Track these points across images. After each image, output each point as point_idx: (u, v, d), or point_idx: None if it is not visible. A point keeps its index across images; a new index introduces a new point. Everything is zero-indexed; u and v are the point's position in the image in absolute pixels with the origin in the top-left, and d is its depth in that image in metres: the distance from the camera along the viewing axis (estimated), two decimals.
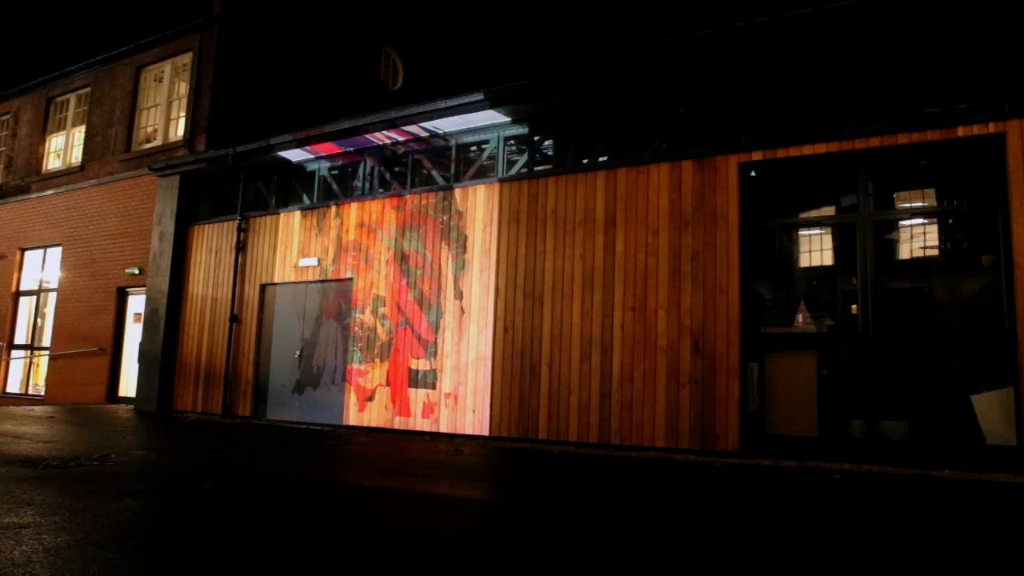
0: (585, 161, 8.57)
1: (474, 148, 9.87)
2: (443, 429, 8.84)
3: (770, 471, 6.06)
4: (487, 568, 2.89)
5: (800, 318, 7.67)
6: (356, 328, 9.92)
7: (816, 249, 8.74)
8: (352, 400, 9.77)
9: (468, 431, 8.65)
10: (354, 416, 9.69)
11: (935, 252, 7.98)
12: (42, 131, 16.11)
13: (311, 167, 11.12)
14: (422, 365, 9.21)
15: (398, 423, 9.25)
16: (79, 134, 15.41)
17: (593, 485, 5.28)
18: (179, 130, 13.49)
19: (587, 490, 5.03)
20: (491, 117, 9.00)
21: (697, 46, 7.40)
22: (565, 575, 2.84)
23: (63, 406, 12.46)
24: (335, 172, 11.00)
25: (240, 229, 11.46)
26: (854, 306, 7.24)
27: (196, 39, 13.26)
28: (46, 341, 14.84)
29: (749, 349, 7.28)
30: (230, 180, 12.03)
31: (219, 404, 11.16)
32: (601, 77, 8.10)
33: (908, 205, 7.96)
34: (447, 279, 9.19)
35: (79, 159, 15.11)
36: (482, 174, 9.37)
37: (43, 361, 14.88)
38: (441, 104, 9.10)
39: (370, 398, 9.59)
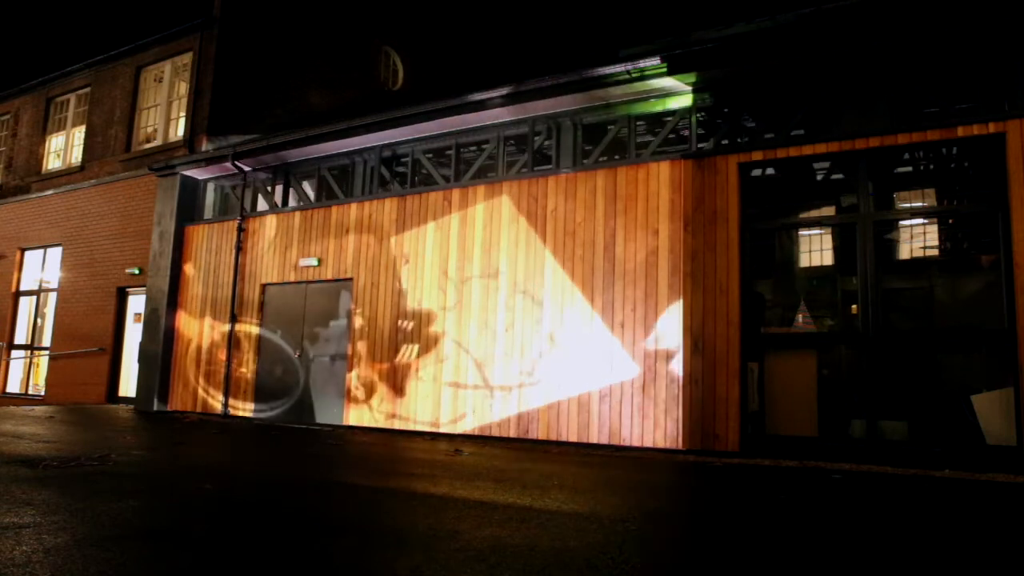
0: (585, 161, 8.58)
1: (474, 148, 9.88)
2: (443, 429, 8.84)
3: (770, 471, 6.05)
4: (486, 568, 2.89)
5: (800, 318, 7.68)
6: (356, 328, 9.92)
7: (816, 249, 8.74)
8: (352, 400, 9.76)
9: (468, 431, 8.65)
10: (354, 416, 9.69)
11: (935, 252, 7.99)
12: (42, 131, 16.11)
13: (311, 167, 11.13)
14: (422, 365, 9.20)
15: (398, 423, 9.25)
16: (79, 134, 15.40)
17: (593, 485, 5.27)
18: (179, 130, 13.49)
19: (586, 490, 5.03)
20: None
21: (697, 47, 7.40)
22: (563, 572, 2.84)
23: (63, 406, 12.46)
24: (335, 172, 11.00)
25: (240, 229, 11.46)
26: (854, 306, 7.25)
27: (196, 39, 13.26)
28: (46, 341, 14.84)
29: (749, 349, 7.27)
30: (230, 180, 12.05)
31: (219, 404, 11.16)
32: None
33: (908, 205, 7.96)
34: (447, 279, 9.19)
35: (79, 159, 15.11)
36: (481, 174, 9.38)
37: (43, 361, 14.88)
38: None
39: (370, 398, 9.59)
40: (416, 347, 9.30)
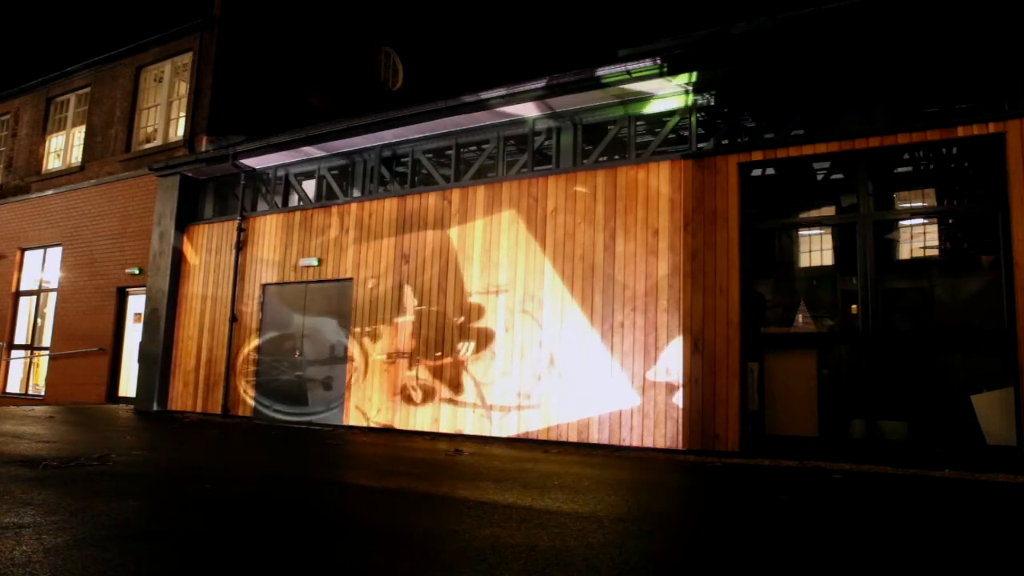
0: (585, 161, 8.57)
1: (474, 148, 9.88)
2: (443, 429, 8.84)
3: (770, 471, 6.05)
4: (486, 568, 2.89)
5: (800, 318, 7.67)
6: (355, 328, 9.91)
7: (816, 249, 8.74)
8: (352, 400, 9.76)
9: (468, 431, 8.65)
10: (354, 416, 9.69)
11: (935, 252, 7.98)
12: (42, 131, 16.11)
13: (311, 167, 11.12)
14: (422, 365, 9.20)
15: (398, 423, 9.25)
16: (79, 134, 15.41)
17: (593, 485, 5.27)
18: (179, 130, 13.49)
19: (586, 490, 5.03)
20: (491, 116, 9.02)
21: (697, 47, 7.40)
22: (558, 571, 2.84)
23: (63, 406, 12.45)
24: (335, 172, 11.00)
25: (240, 229, 11.46)
26: (854, 306, 7.25)
27: (196, 39, 13.27)
28: (46, 341, 14.84)
29: (749, 349, 7.27)
30: (230, 180, 12.04)
31: (219, 404, 11.16)
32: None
33: (908, 205, 7.96)
34: (448, 279, 9.19)
35: (79, 159, 15.11)
36: (481, 174, 9.38)
37: (43, 361, 14.88)
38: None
39: (370, 398, 9.59)
40: (416, 347, 9.29)
